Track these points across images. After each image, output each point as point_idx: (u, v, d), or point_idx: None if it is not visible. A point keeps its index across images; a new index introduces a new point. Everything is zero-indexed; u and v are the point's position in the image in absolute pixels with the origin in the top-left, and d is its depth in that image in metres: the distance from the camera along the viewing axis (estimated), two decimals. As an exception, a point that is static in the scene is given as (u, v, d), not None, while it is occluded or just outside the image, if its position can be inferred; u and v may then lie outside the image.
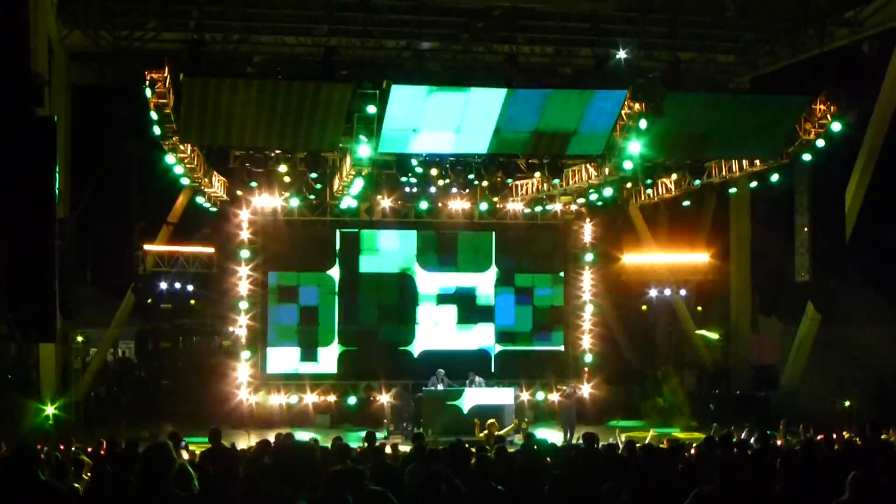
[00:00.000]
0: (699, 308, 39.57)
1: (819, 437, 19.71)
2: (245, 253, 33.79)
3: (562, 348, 36.55)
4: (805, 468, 11.93)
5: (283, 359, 34.82)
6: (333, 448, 16.60)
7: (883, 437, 17.78)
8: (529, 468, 12.79)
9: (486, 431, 25.32)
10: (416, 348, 35.64)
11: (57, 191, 22.65)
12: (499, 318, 36.22)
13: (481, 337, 36.08)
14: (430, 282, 35.81)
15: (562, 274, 36.68)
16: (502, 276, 36.19)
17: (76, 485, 12.95)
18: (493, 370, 35.46)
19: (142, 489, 8.72)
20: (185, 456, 16.72)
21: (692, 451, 17.10)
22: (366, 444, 17.57)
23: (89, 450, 19.97)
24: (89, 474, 14.18)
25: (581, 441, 16.70)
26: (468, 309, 35.98)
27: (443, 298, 35.84)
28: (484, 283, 36.18)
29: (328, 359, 35.04)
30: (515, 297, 36.43)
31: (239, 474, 13.51)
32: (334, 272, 35.16)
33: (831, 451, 16.03)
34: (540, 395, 34.66)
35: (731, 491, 10.29)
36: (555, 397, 34.87)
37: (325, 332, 35.15)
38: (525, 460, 13.97)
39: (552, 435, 28.67)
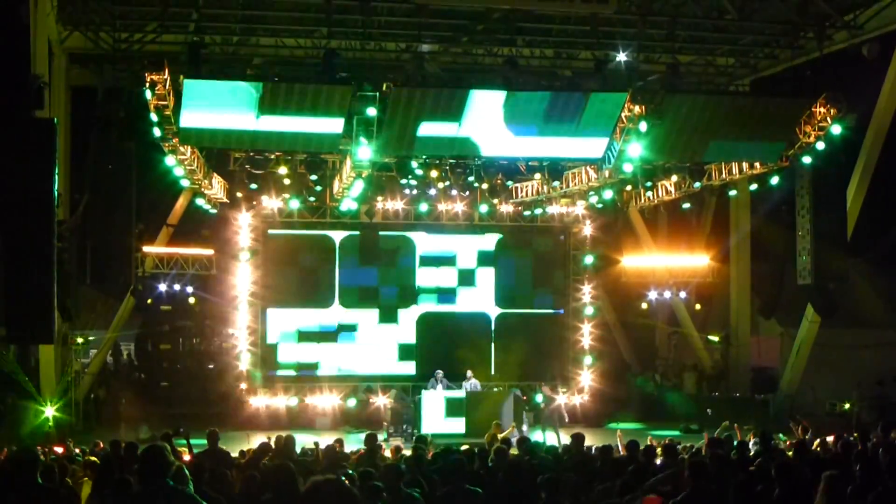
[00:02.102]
0: (697, 306, 39.51)
1: (817, 440, 19.71)
2: (245, 254, 33.78)
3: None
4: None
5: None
6: (328, 453, 16.64)
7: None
8: (525, 471, 12.81)
9: (490, 433, 25.27)
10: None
11: (56, 193, 22.68)
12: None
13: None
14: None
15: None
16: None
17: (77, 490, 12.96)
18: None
19: (139, 490, 8.73)
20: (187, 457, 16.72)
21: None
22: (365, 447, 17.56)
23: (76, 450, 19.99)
24: (86, 478, 14.15)
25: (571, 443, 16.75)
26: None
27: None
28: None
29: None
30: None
31: (233, 477, 13.51)
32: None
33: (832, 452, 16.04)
34: (539, 398, 34.61)
35: (703, 495, 10.32)
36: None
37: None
38: (521, 463, 13.95)
39: (551, 437, 28.65)
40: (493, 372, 35.25)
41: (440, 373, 31.31)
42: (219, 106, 24.00)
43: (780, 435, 22.83)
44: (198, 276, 34.36)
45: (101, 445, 20.40)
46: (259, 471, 13.20)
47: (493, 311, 36.12)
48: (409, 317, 35.62)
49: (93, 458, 17.17)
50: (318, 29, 29.05)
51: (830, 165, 27.94)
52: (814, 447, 18.13)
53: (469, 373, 31.61)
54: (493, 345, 35.95)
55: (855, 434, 18.51)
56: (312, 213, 34.16)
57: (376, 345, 35.28)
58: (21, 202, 21.90)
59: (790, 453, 16.21)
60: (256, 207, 33.72)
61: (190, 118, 24.20)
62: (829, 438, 20.00)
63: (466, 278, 36.00)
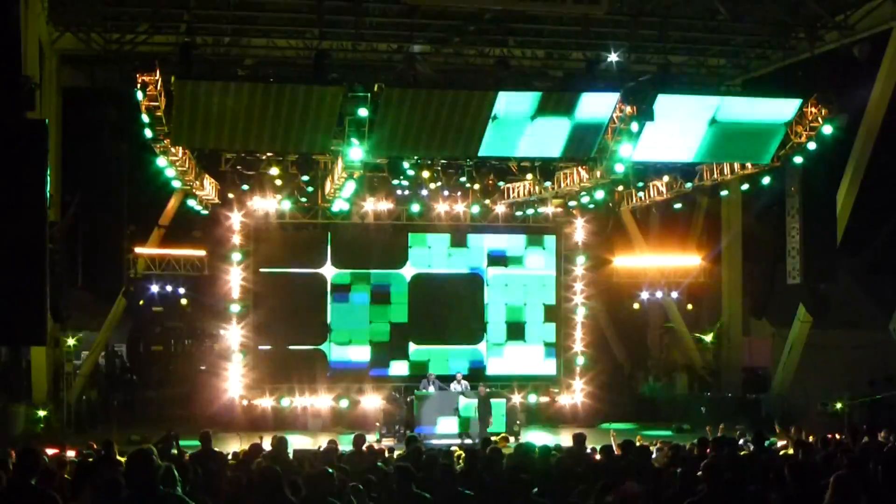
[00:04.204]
0: (689, 306, 39.54)
1: (810, 440, 19.71)
2: (237, 255, 33.75)
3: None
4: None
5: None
6: (325, 451, 16.64)
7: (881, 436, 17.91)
8: (518, 471, 12.81)
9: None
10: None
11: (48, 194, 22.64)
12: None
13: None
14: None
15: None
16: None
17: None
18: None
19: (128, 494, 8.72)
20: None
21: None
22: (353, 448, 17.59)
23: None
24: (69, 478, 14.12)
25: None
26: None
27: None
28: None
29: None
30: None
31: (227, 477, 13.50)
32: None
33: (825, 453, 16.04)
34: (532, 399, 34.68)
35: (720, 496, 10.28)
36: (546, 399, 35.08)
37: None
38: (514, 463, 13.96)
39: (543, 438, 28.67)
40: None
41: (432, 374, 31.32)
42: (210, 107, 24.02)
43: (773, 438, 22.79)
44: (190, 277, 34.32)
45: (95, 447, 20.37)
46: (247, 474, 13.20)
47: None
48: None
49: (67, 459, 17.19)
50: (310, 30, 29.07)
51: (821, 166, 27.98)
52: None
53: (459, 374, 31.54)
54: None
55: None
56: (304, 213, 34.12)
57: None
58: (13, 204, 21.82)
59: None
60: (248, 208, 33.69)
61: (181, 121, 24.21)
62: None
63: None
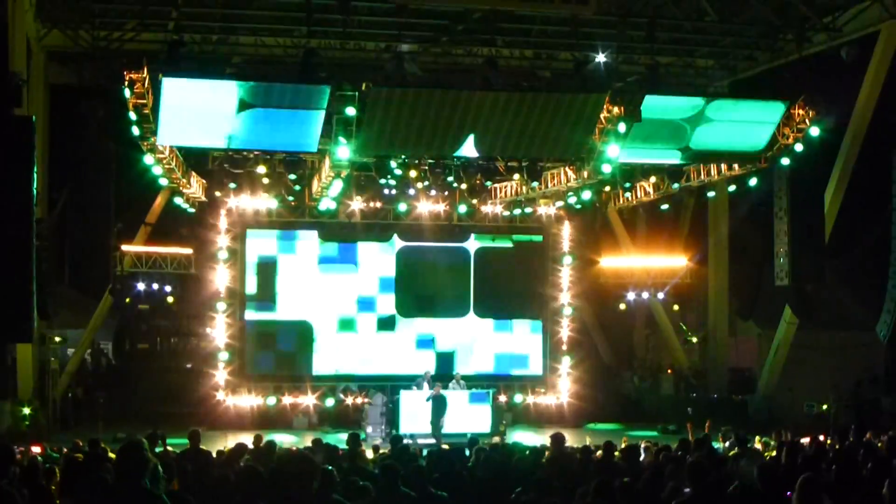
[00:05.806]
0: (675, 307, 39.56)
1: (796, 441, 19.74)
2: (223, 254, 33.66)
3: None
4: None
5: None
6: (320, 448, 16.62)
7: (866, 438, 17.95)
8: (503, 471, 12.83)
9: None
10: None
11: (35, 191, 22.59)
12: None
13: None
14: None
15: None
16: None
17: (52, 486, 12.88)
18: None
19: (115, 486, 8.66)
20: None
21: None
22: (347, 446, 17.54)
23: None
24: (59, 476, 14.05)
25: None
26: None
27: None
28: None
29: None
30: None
31: (213, 476, 13.47)
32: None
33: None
34: (518, 398, 34.67)
35: (706, 497, 10.28)
36: (532, 399, 35.08)
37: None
38: (500, 463, 13.98)
39: (529, 437, 28.67)
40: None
41: (429, 372, 31.14)
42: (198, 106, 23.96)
43: (766, 438, 22.78)
44: (176, 275, 34.22)
45: (80, 444, 20.33)
46: (233, 473, 13.17)
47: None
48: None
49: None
50: (298, 28, 29.04)
51: (808, 167, 28.05)
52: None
53: (457, 374, 31.49)
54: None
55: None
56: (291, 212, 34.06)
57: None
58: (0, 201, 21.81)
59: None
60: (235, 207, 33.60)
61: (169, 119, 24.12)
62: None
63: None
